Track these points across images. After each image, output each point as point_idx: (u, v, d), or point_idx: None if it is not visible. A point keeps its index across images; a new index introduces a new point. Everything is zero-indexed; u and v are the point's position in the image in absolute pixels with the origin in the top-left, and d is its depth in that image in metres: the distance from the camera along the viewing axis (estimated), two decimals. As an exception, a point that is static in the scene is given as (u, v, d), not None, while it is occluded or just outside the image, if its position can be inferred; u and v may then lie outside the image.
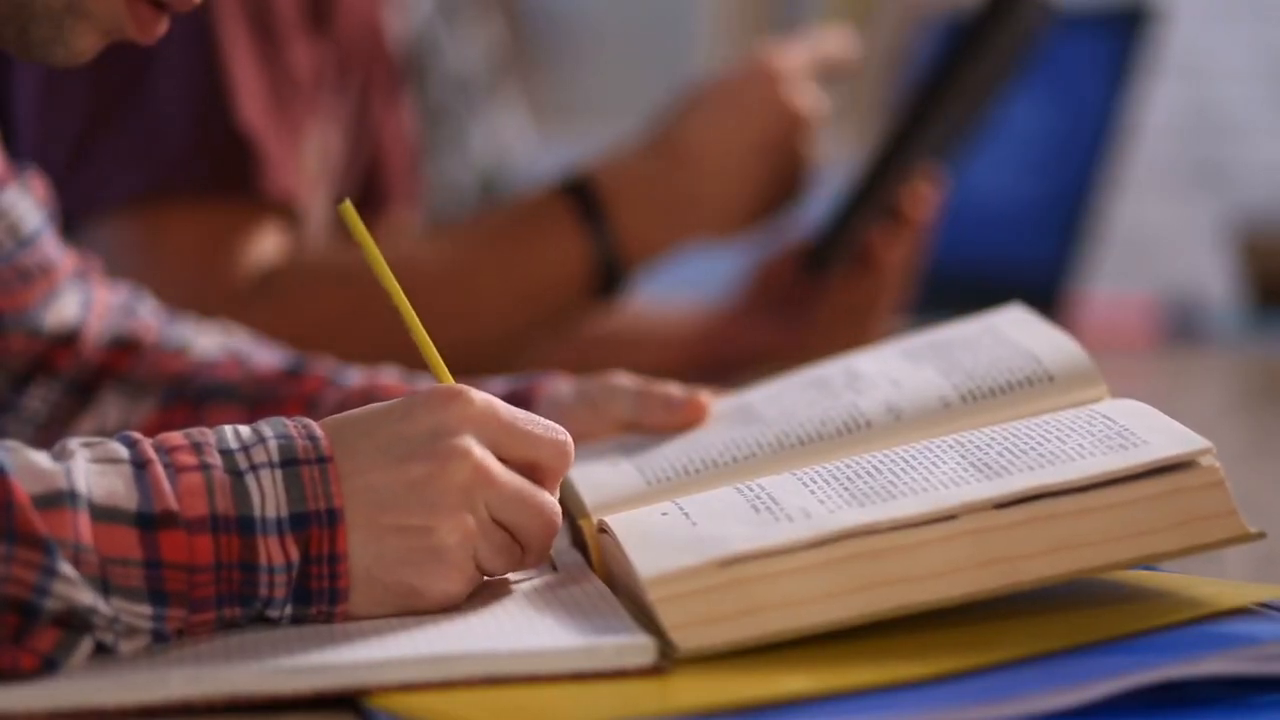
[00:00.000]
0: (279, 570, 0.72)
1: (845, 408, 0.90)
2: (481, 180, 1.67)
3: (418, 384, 1.01)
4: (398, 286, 0.80)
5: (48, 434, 1.02)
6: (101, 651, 0.70)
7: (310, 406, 1.00)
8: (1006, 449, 0.76)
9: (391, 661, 0.69)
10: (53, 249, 1.01)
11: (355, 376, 1.02)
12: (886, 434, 0.88)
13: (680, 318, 1.64)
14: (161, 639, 0.71)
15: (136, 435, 0.74)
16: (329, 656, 0.69)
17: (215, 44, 1.29)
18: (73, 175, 1.27)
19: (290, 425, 0.75)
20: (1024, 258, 1.94)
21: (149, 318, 1.06)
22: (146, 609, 0.70)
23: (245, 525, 0.72)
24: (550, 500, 0.77)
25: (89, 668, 0.69)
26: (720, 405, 0.96)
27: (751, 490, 0.76)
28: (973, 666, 0.67)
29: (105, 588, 0.69)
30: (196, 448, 0.73)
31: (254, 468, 0.73)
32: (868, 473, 0.76)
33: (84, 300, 1.03)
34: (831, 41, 1.48)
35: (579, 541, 0.85)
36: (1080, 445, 0.75)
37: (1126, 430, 0.75)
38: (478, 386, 0.78)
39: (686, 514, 0.76)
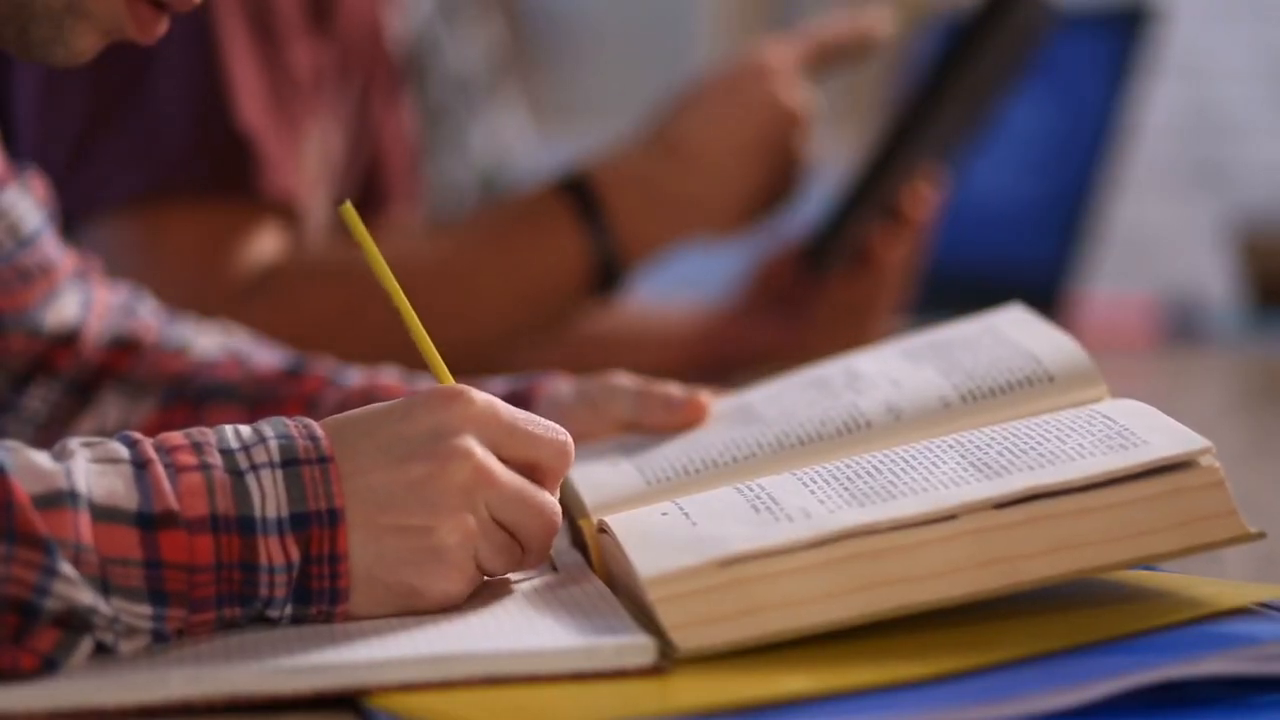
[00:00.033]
0: (279, 570, 0.72)
1: (845, 408, 0.90)
2: (481, 180, 1.67)
3: (418, 384, 1.01)
4: (398, 287, 0.80)
5: (48, 434, 1.02)
6: (101, 651, 0.70)
7: (310, 406, 1.00)
8: (1006, 449, 0.76)
9: (391, 661, 0.69)
10: (53, 249, 1.01)
11: (355, 377, 1.02)
12: (886, 434, 0.88)
13: (680, 317, 1.64)
14: (161, 639, 0.71)
15: (137, 435, 0.74)
16: (329, 656, 0.69)
17: (215, 44, 1.29)
18: (73, 175, 1.28)
19: (291, 425, 0.75)
20: (1024, 258, 1.94)
21: (149, 318, 1.06)
22: (146, 609, 0.70)
23: (246, 525, 0.72)
24: (550, 500, 0.77)
25: (89, 668, 0.69)
26: (720, 405, 0.96)
27: (751, 490, 0.76)
28: (973, 666, 0.67)
29: (105, 588, 0.69)
30: (197, 447, 0.73)
31: (254, 467, 0.73)
32: (868, 473, 0.76)
33: (84, 300, 1.03)
34: (861, 20, 1.47)
35: (579, 541, 0.85)
36: (1080, 445, 0.75)
37: (1126, 430, 0.75)
38: (478, 386, 0.78)
39: (686, 514, 0.76)
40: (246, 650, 0.70)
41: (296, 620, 0.74)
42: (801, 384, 0.95)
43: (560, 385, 0.98)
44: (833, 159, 1.86)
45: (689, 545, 0.72)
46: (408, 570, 0.74)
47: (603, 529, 0.78)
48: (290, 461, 0.73)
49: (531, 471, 0.77)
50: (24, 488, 0.69)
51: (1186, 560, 0.74)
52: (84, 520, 0.69)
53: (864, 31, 1.47)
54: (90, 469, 0.71)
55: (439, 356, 0.80)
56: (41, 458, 0.70)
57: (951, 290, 1.83)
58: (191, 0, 0.80)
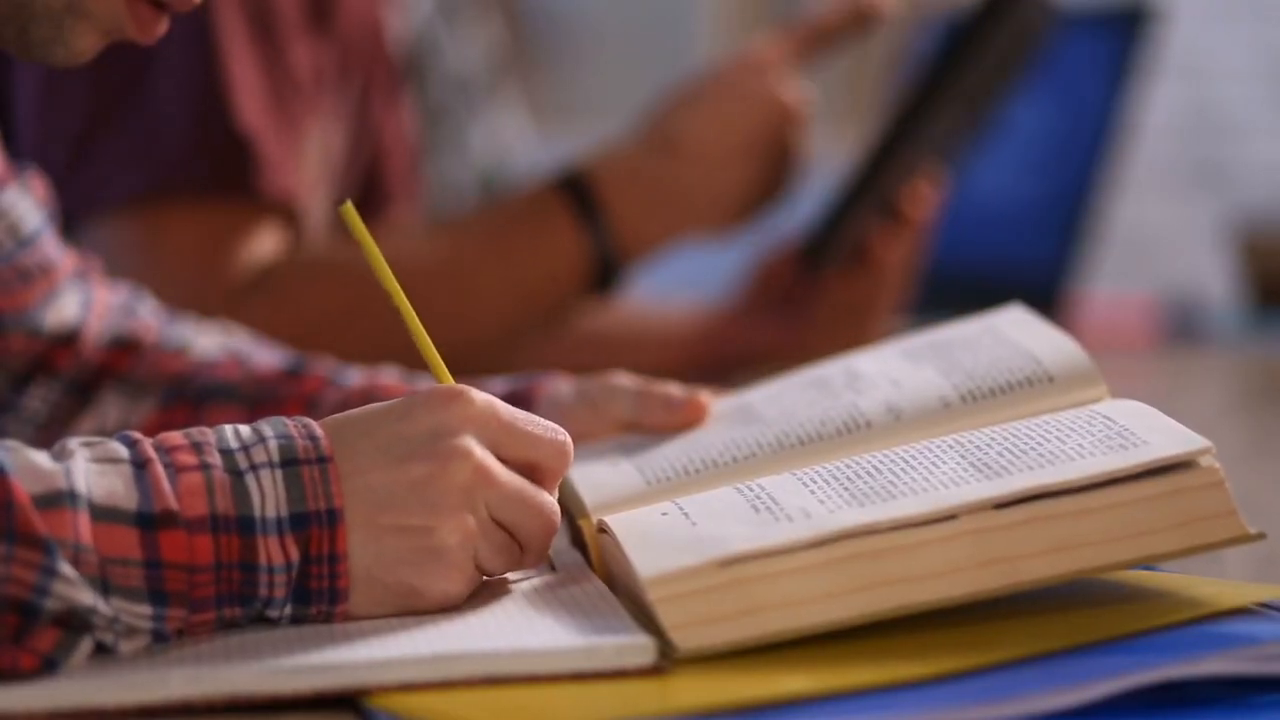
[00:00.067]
0: (279, 570, 0.72)
1: (845, 408, 0.90)
2: (481, 180, 1.67)
3: (418, 384, 1.01)
4: (398, 287, 0.80)
5: (48, 434, 1.02)
6: (101, 651, 0.70)
7: (310, 406, 1.00)
8: (1006, 449, 0.76)
9: (391, 661, 0.69)
10: (53, 249, 1.01)
11: (355, 376, 1.02)
12: (886, 434, 0.88)
13: (680, 317, 1.64)
14: (161, 639, 0.71)
15: (136, 435, 0.73)
16: (329, 656, 0.69)
17: (215, 44, 1.29)
18: (73, 175, 1.28)
19: (290, 425, 0.75)
20: (1024, 258, 1.94)
21: (149, 318, 1.06)
22: (146, 609, 0.70)
23: (245, 525, 0.72)
24: (549, 500, 0.77)
25: (89, 668, 0.69)
26: (720, 405, 0.96)
27: (751, 490, 0.76)
28: (973, 666, 0.67)
29: (105, 588, 0.69)
30: (196, 447, 0.73)
31: (254, 467, 0.73)
32: (868, 473, 0.76)
33: (84, 300, 1.03)
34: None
35: (579, 541, 0.85)
36: (1080, 445, 0.75)
37: (1126, 430, 0.75)
38: (478, 386, 0.78)
39: (686, 514, 0.76)
40: (246, 650, 0.70)
41: (296, 620, 0.74)
42: (801, 384, 0.95)
43: (560, 385, 0.98)
44: (832, 157, 1.86)
45: (689, 545, 0.72)
46: (407, 570, 0.74)
47: (602, 529, 0.79)
48: (290, 461, 0.73)
49: (531, 471, 0.77)
50: (24, 488, 0.69)
51: (1186, 560, 0.74)
52: (83, 520, 0.69)
53: (862, 6, 1.46)
54: (90, 469, 0.71)
55: (438, 356, 0.80)
56: (41, 458, 0.70)
57: (951, 290, 1.83)
58: (191, 0, 0.80)
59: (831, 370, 0.96)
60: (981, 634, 0.71)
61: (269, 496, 0.72)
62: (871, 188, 1.50)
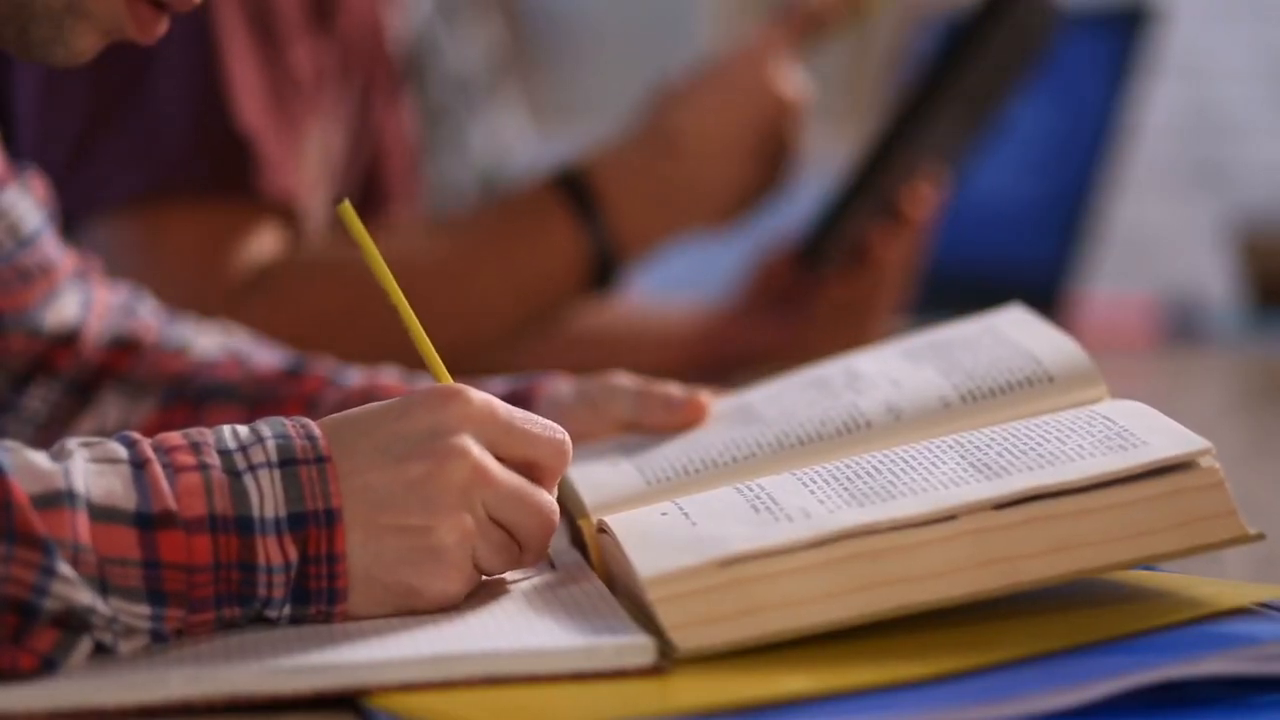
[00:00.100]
0: (277, 570, 0.72)
1: (845, 408, 0.90)
2: (481, 180, 1.67)
3: (418, 384, 1.01)
4: (396, 287, 0.80)
5: (48, 434, 1.02)
6: (101, 651, 0.70)
7: (310, 406, 1.00)
8: (1006, 449, 0.76)
9: (391, 661, 0.69)
10: (53, 249, 1.01)
11: (355, 376, 1.02)
12: (886, 434, 0.88)
13: (679, 317, 1.64)
14: (160, 639, 0.71)
15: (135, 435, 0.73)
16: (329, 656, 0.69)
17: (215, 44, 1.29)
18: (73, 175, 1.28)
19: (288, 425, 0.75)
20: (1024, 258, 1.94)
21: (149, 318, 1.06)
22: (145, 609, 0.70)
23: (243, 525, 0.72)
24: (548, 499, 0.77)
25: (88, 668, 0.69)
26: (720, 405, 0.96)
27: (751, 490, 0.76)
28: (973, 666, 0.67)
29: (104, 588, 0.69)
30: (195, 448, 0.73)
31: (252, 468, 0.73)
32: (868, 473, 0.76)
33: (84, 300, 1.03)
34: None
35: (578, 541, 0.85)
36: (1080, 446, 0.75)
37: (1126, 431, 0.75)
38: (477, 386, 0.78)
39: (686, 514, 0.76)
40: (246, 650, 0.70)
41: (295, 620, 0.73)
42: (801, 384, 0.95)
43: (560, 385, 0.98)
44: (830, 157, 1.86)
45: (689, 545, 0.72)
46: (406, 570, 0.74)
47: (602, 529, 0.78)
48: (288, 461, 0.73)
49: (529, 470, 0.77)
50: (23, 488, 0.69)
51: (1186, 560, 0.74)
52: (82, 520, 0.69)
53: None
54: (89, 469, 0.71)
55: (437, 356, 0.80)
56: (40, 458, 0.70)
57: (951, 290, 1.83)
58: (191, 0, 0.80)
59: (831, 370, 0.96)
60: (981, 634, 0.71)
61: (267, 497, 0.72)
62: (871, 187, 1.50)
